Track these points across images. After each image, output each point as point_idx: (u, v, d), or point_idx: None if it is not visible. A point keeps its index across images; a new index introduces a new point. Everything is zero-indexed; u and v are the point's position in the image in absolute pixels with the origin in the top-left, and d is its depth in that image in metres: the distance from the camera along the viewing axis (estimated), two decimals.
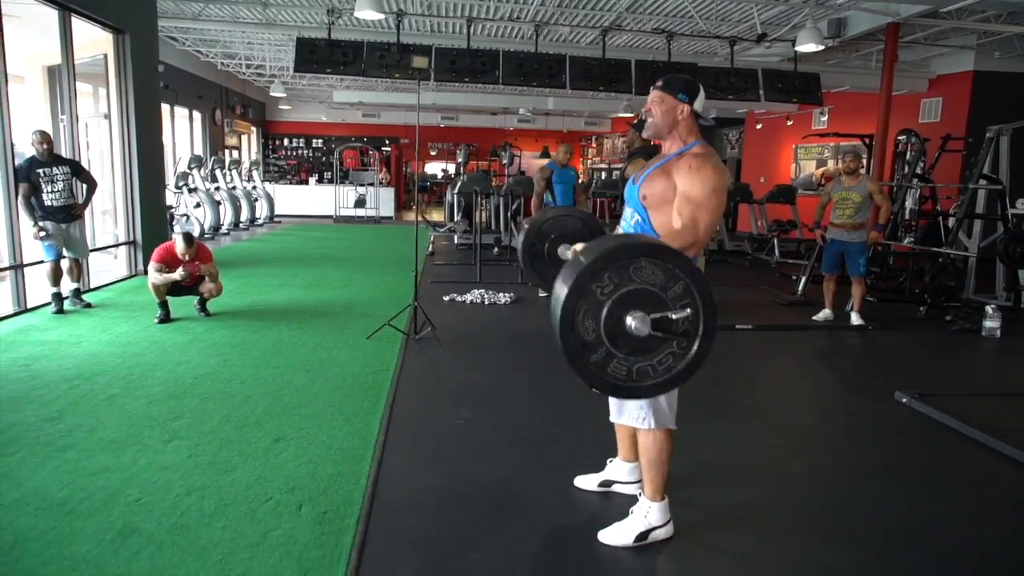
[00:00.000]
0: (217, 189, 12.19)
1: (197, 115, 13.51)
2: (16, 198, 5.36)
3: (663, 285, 1.80)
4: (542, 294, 6.73)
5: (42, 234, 5.32)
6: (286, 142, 19.93)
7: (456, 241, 11.19)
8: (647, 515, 2.26)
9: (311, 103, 18.75)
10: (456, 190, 11.63)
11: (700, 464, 2.92)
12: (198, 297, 5.38)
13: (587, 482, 2.67)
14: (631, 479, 2.60)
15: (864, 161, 8.82)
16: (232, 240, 11.56)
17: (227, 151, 14.79)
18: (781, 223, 10.55)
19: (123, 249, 7.47)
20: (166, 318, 5.20)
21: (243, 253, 9.80)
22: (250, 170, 15.08)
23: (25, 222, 5.40)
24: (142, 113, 7.27)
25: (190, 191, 11.18)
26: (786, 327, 5.81)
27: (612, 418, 2.41)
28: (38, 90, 8.56)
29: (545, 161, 18.20)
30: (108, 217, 8.20)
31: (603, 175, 13.28)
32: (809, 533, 2.45)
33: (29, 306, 5.53)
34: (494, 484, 2.74)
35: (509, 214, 10.18)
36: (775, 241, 10.28)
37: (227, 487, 2.57)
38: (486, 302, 6.40)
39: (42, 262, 5.48)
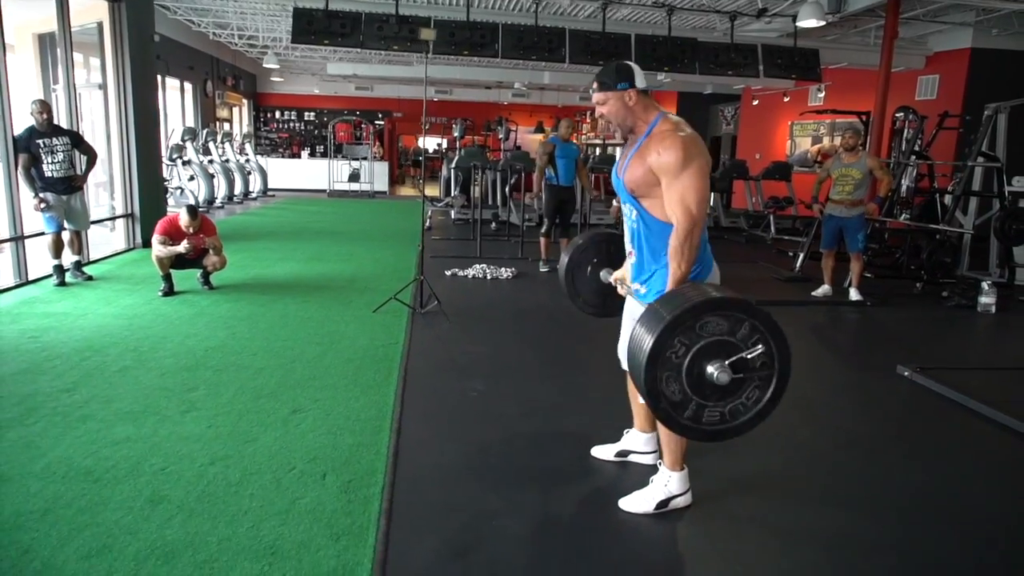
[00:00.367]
0: (211, 162, 12.07)
1: (188, 86, 13.29)
2: (16, 169, 5.29)
3: (730, 331, 1.87)
4: (543, 269, 6.76)
5: (43, 206, 5.27)
6: (278, 115, 19.65)
7: (453, 216, 11.16)
8: (667, 484, 2.32)
9: (303, 75, 18.45)
10: (454, 164, 11.57)
11: None
12: (202, 270, 5.37)
13: (604, 452, 2.72)
14: (648, 449, 2.65)
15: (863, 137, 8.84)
16: (227, 214, 11.48)
17: (218, 123, 14.58)
18: (777, 199, 10.59)
19: (120, 222, 7.41)
20: (170, 291, 5.19)
21: (240, 227, 9.73)
22: (243, 143, 14.93)
23: (25, 193, 5.35)
24: (139, 83, 7.16)
25: (184, 164, 11.06)
26: (785, 302, 5.87)
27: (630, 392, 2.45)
28: (28, 59, 8.41)
29: (541, 136, 18.00)
30: (102, 190, 8.12)
31: (598, 150, 13.28)
32: (823, 501, 2.53)
33: (30, 278, 5.50)
34: (511, 454, 2.79)
35: (507, 189, 10.16)
36: (771, 218, 10.35)
37: (250, 457, 2.61)
38: (488, 276, 6.43)
39: (43, 234, 5.44)
